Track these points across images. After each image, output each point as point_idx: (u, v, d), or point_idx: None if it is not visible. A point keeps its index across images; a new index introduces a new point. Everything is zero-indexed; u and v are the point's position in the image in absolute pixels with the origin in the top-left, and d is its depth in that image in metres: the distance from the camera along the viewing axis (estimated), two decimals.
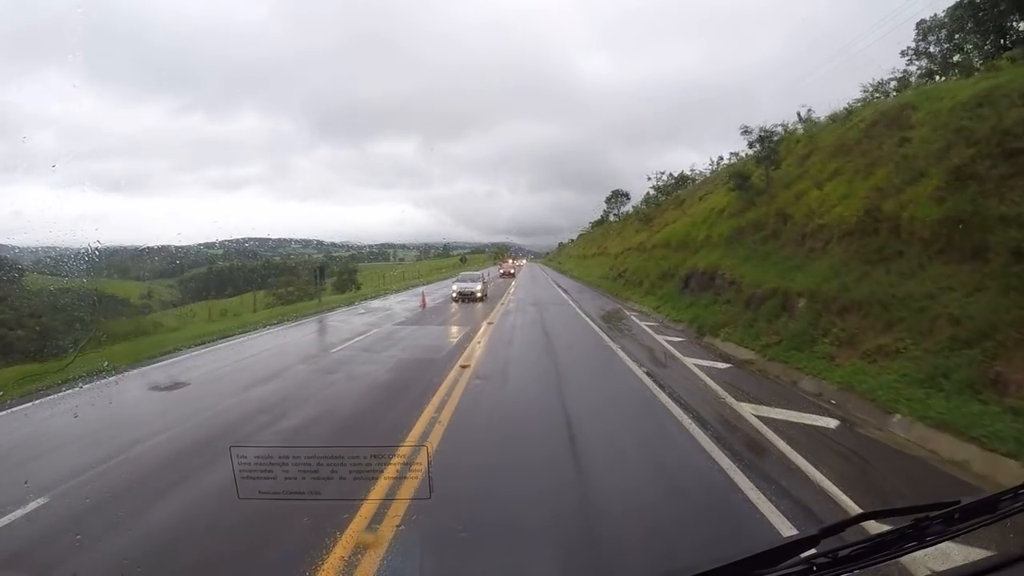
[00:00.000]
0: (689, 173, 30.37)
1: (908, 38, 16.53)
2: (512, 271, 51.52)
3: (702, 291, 14.28)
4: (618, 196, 50.58)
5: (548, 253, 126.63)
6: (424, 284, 36.98)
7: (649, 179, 30.58)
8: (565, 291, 27.03)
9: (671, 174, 31.17)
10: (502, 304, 20.47)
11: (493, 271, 51.50)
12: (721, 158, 27.07)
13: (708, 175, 27.68)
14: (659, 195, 31.26)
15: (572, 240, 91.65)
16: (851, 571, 1.12)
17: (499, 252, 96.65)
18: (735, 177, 16.35)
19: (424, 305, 20.51)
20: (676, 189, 29.93)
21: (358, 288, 35.50)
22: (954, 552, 1.20)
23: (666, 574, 1.30)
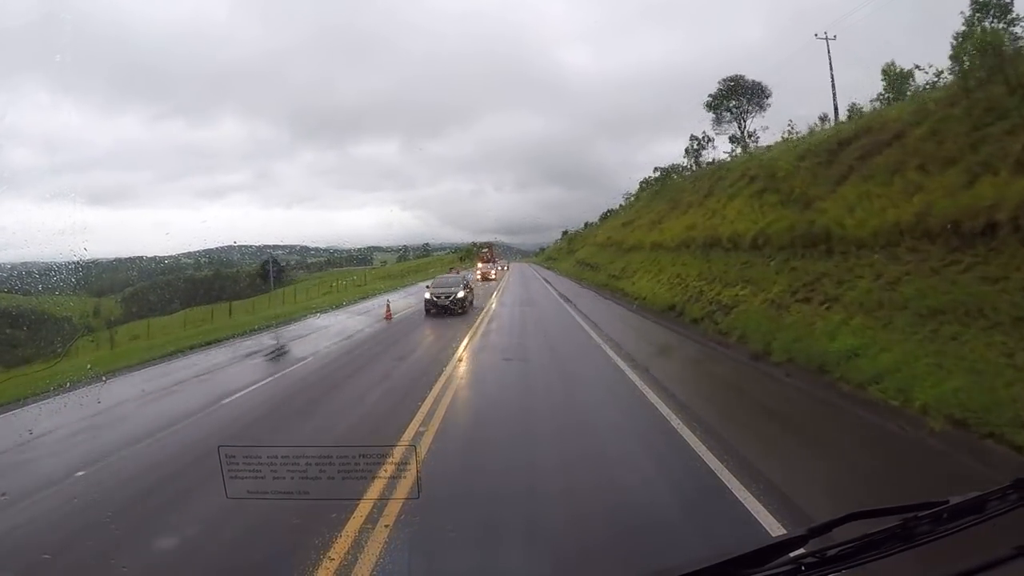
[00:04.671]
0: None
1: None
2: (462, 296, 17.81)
3: None
4: (744, 90, 23.53)
5: (543, 249, 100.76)
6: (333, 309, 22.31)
7: None
8: None
9: None
10: None
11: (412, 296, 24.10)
12: None
13: None
14: None
15: (589, 225, 60.48)
16: (839, 571, 1.12)
17: (469, 252, 58.21)
18: None
19: None
20: None
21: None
22: (942, 552, 1.20)
23: (652, 574, 1.29)
